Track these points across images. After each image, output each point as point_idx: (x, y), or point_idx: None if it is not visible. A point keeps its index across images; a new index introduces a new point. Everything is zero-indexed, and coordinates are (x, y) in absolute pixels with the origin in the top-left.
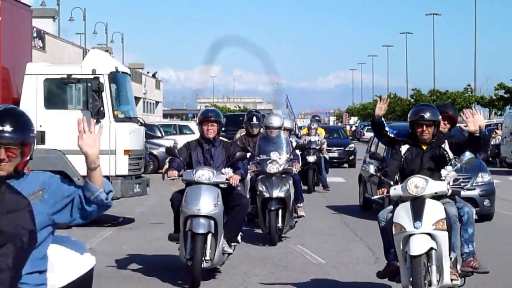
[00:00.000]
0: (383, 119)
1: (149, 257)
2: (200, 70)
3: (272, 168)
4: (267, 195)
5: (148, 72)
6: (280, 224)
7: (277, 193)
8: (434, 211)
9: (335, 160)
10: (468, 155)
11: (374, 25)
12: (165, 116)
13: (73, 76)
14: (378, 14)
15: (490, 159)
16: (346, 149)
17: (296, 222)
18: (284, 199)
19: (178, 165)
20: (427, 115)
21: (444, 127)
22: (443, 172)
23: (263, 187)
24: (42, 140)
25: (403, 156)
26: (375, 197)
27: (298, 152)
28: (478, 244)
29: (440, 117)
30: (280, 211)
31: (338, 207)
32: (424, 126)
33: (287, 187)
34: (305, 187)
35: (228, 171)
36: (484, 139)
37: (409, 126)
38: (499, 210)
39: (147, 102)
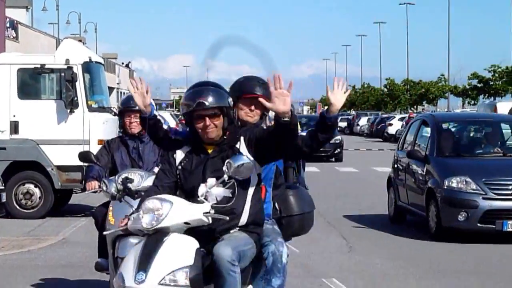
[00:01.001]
0: (155, 112)
1: None
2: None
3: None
4: None
5: (122, 63)
6: None
7: None
8: (171, 255)
9: (322, 154)
10: (242, 159)
11: (347, 14)
12: None
13: (46, 66)
14: (352, 3)
15: None
16: (331, 141)
17: None
18: None
19: (98, 173)
20: (209, 101)
21: (251, 115)
22: (201, 189)
23: None
24: (15, 130)
25: (179, 167)
26: (107, 232)
27: None
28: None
29: (233, 101)
30: None
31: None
32: (207, 119)
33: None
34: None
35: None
36: (294, 130)
37: (185, 121)
38: None
39: (121, 92)
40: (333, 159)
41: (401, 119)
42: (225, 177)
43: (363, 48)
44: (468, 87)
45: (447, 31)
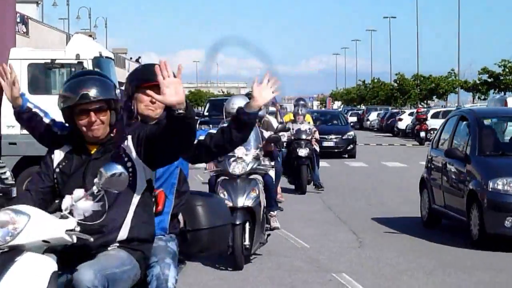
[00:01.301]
0: (29, 104)
1: None
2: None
3: (236, 168)
4: (230, 204)
5: (131, 58)
6: (247, 242)
7: (243, 201)
8: (20, 279)
9: (335, 150)
10: (115, 168)
11: (357, 9)
12: None
13: (57, 61)
14: None
15: None
16: (344, 137)
17: (268, 236)
18: (253, 209)
19: None
20: (92, 92)
21: (152, 108)
22: (66, 201)
23: (225, 193)
24: None
25: (56, 170)
26: None
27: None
28: None
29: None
30: (247, 224)
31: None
32: (93, 114)
33: (256, 193)
34: (291, 187)
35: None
36: (190, 124)
37: (64, 117)
38: None
39: None
40: (346, 155)
41: (411, 114)
42: (94, 189)
43: (373, 42)
44: (478, 82)
45: (457, 26)
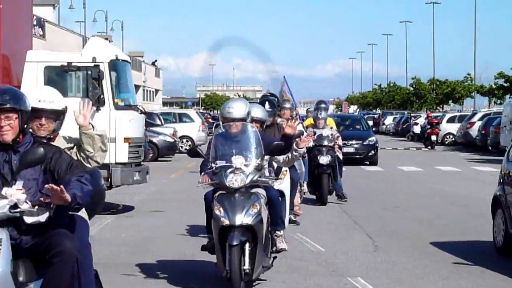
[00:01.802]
0: None
1: (149, 245)
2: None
3: (234, 181)
4: (226, 221)
5: (147, 60)
6: (247, 266)
7: (242, 218)
8: None
9: (355, 157)
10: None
11: (374, 13)
12: (164, 104)
13: (73, 64)
14: (378, 2)
15: (490, 147)
16: (365, 143)
17: (274, 258)
18: (253, 228)
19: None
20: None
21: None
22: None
23: (221, 209)
24: None
25: None
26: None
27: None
28: None
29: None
30: (247, 245)
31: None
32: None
33: (257, 209)
34: (312, 197)
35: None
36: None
37: None
38: None
39: (147, 90)
40: (367, 162)
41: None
42: None
43: (389, 47)
44: (494, 86)
45: (473, 30)
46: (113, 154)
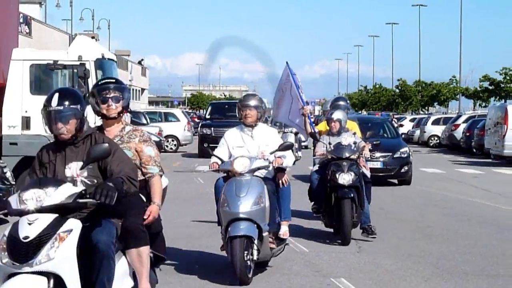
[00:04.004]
0: None
1: None
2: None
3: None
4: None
5: (133, 60)
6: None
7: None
8: None
9: (382, 174)
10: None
11: (360, 15)
12: (150, 103)
13: (59, 62)
14: (365, 4)
15: (475, 150)
16: (396, 155)
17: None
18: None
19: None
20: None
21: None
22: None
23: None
24: (27, 126)
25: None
26: None
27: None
28: None
29: None
30: (254, 243)
31: None
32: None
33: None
34: (328, 230)
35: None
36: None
37: None
38: (487, 203)
39: (133, 89)
40: (396, 181)
41: (412, 120)
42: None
43: (375, 48)
44: (479, 89)
45: (459, 33)
46: None
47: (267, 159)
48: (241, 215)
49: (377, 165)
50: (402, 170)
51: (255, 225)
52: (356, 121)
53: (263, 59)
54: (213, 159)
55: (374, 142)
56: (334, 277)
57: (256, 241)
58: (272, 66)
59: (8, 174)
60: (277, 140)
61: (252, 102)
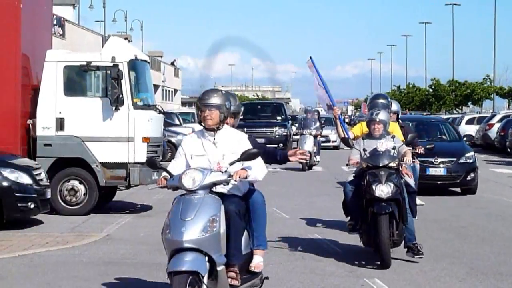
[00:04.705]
0: None
1: None
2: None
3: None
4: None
5: (166, 60)
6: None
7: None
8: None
9: (445, 182)
10: None
11: (393, 14)
12: (183, 104)
13: (92, 64)
14: (398, 3)
15: (509, 149)
16: (461, 160)
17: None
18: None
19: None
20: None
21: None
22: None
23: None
24: (61, 127)
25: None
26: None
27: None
28: None
29: None
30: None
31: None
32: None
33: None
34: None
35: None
36: None
37: None
38: None
39: (166, 90)
40: (459, 189)
41: (446, 120)
42: None
43: (408, 48)
44: None
45: (493, 32)
46: (131, 154)
47: (226, 171)
48: (186, 245)
49: (440, 172)
50: (468, 178)
51: (206, 257)
52: (397, 122)
53: (264, 57)
54: (163, 173)
55: (428, 146)
56: (368, 278)
57: (205, 278)
58: (305, 67)
59: (43, 175)
60: (246, 146)
61: (213, 100)
